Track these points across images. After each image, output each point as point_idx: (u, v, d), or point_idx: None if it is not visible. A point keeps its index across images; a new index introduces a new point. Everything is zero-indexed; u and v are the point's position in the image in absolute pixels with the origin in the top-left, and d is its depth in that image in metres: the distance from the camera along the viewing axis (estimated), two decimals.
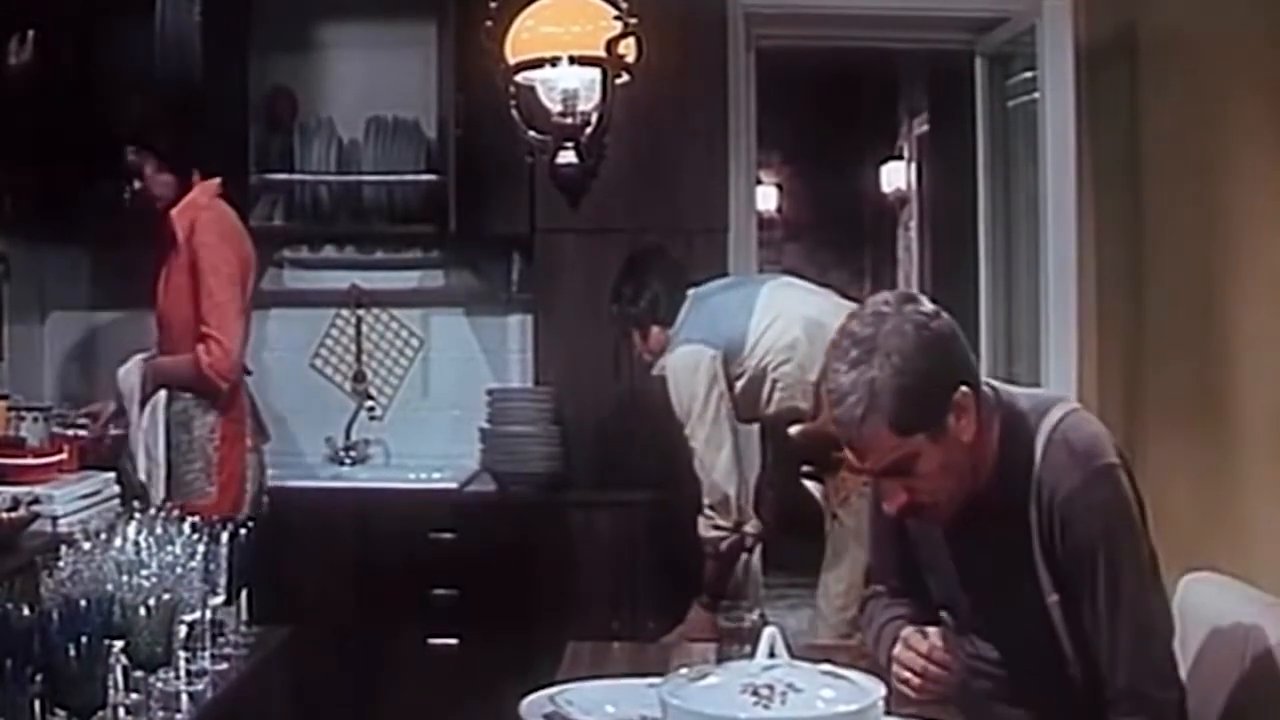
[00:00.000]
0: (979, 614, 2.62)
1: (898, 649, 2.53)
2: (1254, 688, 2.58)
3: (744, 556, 4.52)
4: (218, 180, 4.42)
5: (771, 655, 1.92)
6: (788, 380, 4.32)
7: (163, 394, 4.29)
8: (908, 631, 2.55)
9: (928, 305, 2.46)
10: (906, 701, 2.44)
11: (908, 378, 2.35)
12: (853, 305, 4.49)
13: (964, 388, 2.43)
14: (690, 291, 4.46)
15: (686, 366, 4.32)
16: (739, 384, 4.34)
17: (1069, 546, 2.45)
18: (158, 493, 4.19)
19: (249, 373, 4.55)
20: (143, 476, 4.24)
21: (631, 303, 4.49)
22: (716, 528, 4.32)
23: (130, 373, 4.34)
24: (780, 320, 4.35)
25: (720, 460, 4.30)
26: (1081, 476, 2.44)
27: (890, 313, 2.41)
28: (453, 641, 4.80)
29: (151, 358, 4.37)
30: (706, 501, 4.32)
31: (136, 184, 4.35)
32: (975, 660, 2.61)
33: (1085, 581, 2.44)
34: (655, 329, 4.45)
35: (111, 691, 2.27)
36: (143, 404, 4.29)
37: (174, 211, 4.31)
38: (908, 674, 2.49)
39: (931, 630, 2.54)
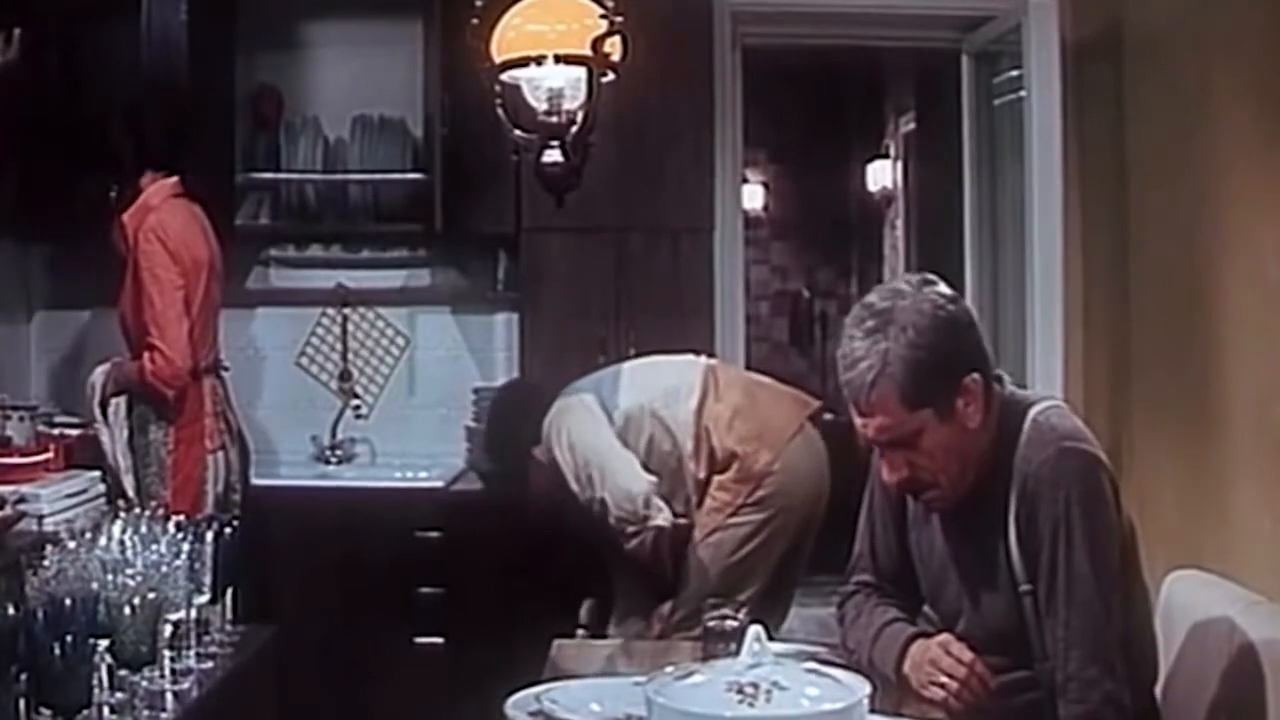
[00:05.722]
0: (960, 603, 2.63)
1: (938, 654, 2.55)
2: (1237, 683, 2.59)
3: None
4: (173, 179, 4.37)
5: (756, 653, 1.92)
6: (671, 412, 4.17)
7: (123, 399, 4.31)
8: (947, 638, 2.58)
9: (947, 289, 2.54)
10: (935, 707, 2.50)
11: (919, 352, 2.44)
12: (712, 361, 4.50)
13: (975, 374, 2.50)
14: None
15: (565, 411, 4.19)
16: (617, 422, 4.18)
17: (1034, 522, 2.47)
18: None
19: (226, 369, 4.57)
20: (110, 478, 4.26)
21: (512, 445, 4.33)
22: (632, 535, 4.09)
23: (98, 375, 4.35)
24: (654, 379, 4.25)
25: (620, 466, 4.10)
26: (1053, 452, 2.48)
27: (909, 290, 2.51)
28: (438, 640, 4.80)
29: (122, 361, 4.38)
30: (615, 515, 4.09)
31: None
32: None
33: (1044, 560, 2.46)
34: (536, 450, 4.26)
35: (96, 690, 2.28)
36: (103, 406, 4.30)
37: (125, 215, 4.29)
38: (945, 679, 2.52)
39: None
